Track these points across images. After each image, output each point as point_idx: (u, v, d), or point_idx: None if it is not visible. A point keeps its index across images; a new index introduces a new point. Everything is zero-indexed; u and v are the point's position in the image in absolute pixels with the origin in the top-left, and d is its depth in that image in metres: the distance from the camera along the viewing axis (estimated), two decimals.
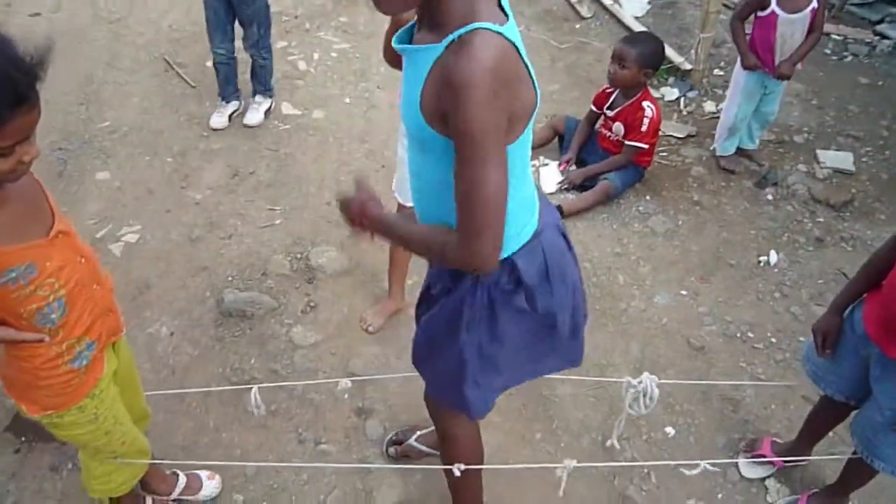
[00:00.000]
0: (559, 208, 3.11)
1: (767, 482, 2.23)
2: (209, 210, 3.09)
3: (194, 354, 2.50)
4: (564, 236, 1.55)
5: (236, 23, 3.36)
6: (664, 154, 3.53)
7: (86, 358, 1.51)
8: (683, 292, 2.83)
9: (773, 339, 2.65)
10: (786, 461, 2.20)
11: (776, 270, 2.92)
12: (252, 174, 3.29)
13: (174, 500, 2.07)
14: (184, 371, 2.45)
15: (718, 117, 3.73)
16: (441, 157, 1.21)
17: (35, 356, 1.44)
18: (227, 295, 2.63)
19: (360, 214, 1.40)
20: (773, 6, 3.00)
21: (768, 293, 2.83)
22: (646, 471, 2.26)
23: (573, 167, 3.41)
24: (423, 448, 2.19)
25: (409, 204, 2.39)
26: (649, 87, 3.24)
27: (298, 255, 2.87)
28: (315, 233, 2.99)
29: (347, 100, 3.85)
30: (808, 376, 2.00)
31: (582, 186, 3.29)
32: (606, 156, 3.31)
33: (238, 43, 3.46)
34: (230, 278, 2.75)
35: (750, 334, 2.66)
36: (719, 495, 2.21)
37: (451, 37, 1.10)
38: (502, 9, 1.20)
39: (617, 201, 3.25)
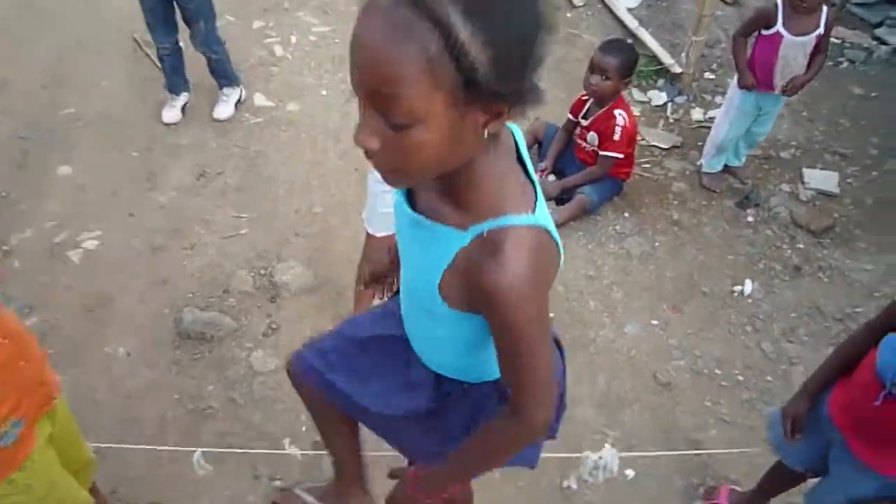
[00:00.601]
0: None
1: None
2: (173, 215, 2.99)
3: (150, 378, 2.44)
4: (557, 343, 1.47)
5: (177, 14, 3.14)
6: (646, 166, 3.44)
7: (13, 436, 1.45)
8: (654, 322, 2.79)
9: (741, 377, 2.62)
10: None
11: (750, 301, 2.88)
12: (220, 174, 3.18)
13: None
14: (139, 396, 2.40)
15: (706, 126, 3.64)
16: (453, 323, 1.11)
17: None
18: (187, 315, 2.56)
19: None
20: (779, 26, 2.88)
21: (740, 326, 2.79)
22: None
23: (551, 177, 3.33)
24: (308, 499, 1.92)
25: (381, 234, 2.31)
26: (623, 95, 3.12)
27: (262, 271, 2.79)
28: (281, 244, 2.91)
29: (324, 91, 3.70)
30: (771, 443, 1.98)
31: (559, 199, 3.21)
32: (584, 167, 3.21)
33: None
34: (191, 294, 2.68)
35: (717, 371, 2.64)
36: None
37: (477, 228, 0.96)
38: (526, 172, 1.05)
39: (594, 217, 3.18)
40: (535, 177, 1.06)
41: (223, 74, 3.40)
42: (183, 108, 3.42)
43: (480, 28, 0.78)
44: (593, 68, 3.00)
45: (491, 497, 2.24)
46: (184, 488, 2.20)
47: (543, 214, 1.00)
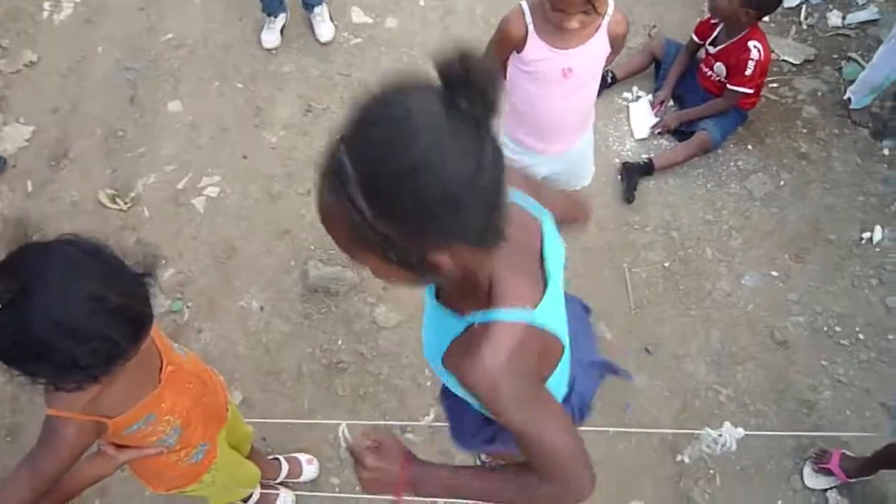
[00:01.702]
0: (650, 164, 2.92)
1: (829, 493, 2.33)
2: (285, 155, 3.01)
3: (285, 331, 2.62)
4: (604, 365, 1.48)
5: None
6: (774, 86, 3.17)
7: (201, 454, 1.64)
8: (774, 273, 2.73)
9: (861, 336, 2.59)
10: (851, 478, 2.29)
11: (878, 250, 2.75)
12: (325, 110, 3.14)
13: (279, 484, 2.33)
14: (277, 349, 2.59)
15: (844, 34, 3.28)
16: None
17: (156, 460, 1.57)
18: (312, 270, 2.68)
19: (393, 485, 1.14)
20: None
21: (865, 278, 2.70)
22: (711, 472, 2.39)
23: (671, 104, 3.12)
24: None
25: None
26: (758, 24, 2.79)
27: None
28: None
29: (422, 2, 3.48)
30: (890, 435, 2.01)
31: (678, 132, 3.04)
32: (706, 96, 2.99)
33: None
34: (313, 247, 2.77)
35: (837, 328, 2.60)
36: (779, 501, 2.35)
37: (470, 319, 0.99)
38: (543, 269, 1.06)
39: (714, 151, 3.01)
40: (554, 267, 1.07)
41: None
42: (282, 30, 3.31)
43: (378, 204, 0.81)
44: None
45: (608, 453, 2.39)
46: (324, 437, 2.44)
47: (546, 310, 1.02)
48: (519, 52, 1.90)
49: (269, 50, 3.29)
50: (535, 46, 1.86)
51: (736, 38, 2.78)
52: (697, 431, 2.20)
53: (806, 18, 3.38)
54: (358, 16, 3.42)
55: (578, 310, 1.51)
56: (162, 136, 3.09)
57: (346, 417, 2.46)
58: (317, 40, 3.30)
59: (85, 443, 1.32)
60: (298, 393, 2.51)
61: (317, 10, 3.27)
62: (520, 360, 0.97)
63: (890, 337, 2.58)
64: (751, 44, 2.74)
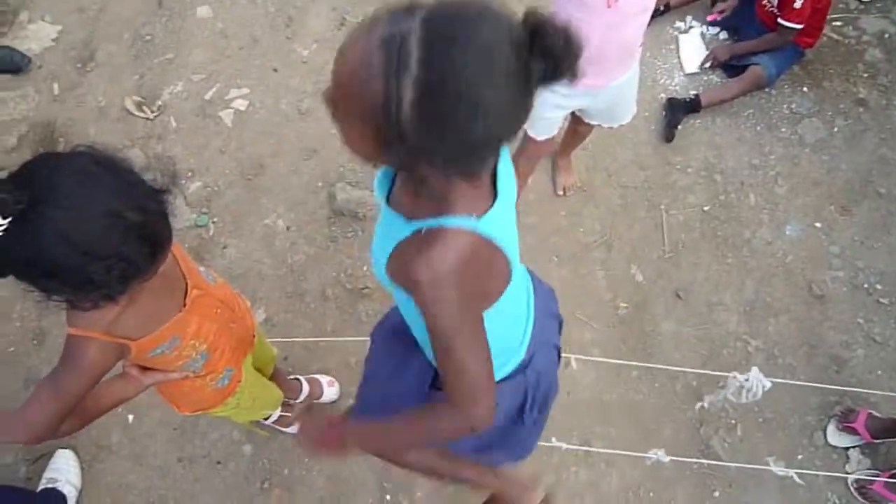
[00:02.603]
0: (696, 100, 2.77)
1: (851, 452, 2.31)
2: (316, 71, 2.89)
3: (310, 253, 2.58)
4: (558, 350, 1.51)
5: None
6: (837, 24, 2.96)
7: (227, 378, 1.63)
8: (818, 224, 2.62)
9: None
10: (876, 438, 2.25)
11: None
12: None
13: (299, 404, 2.35)
14: (301, 270, 2.56)
15: None
16: (404, 302, 1.15)
17: (182, 383, 1.56)
18: (339, 192, 2.61)
19: (328, 440, 1.31)
20: None
21: None
22: (733, 421, 2.37)
23: (723, 35, 2.94)
24: None
25: (541, 137, 2.19)
26: None
27: None
28: None
29: None
30: None
31: (730, 66, 2.86)
32: (762, 30, 2.80)
33: None
34: (341, 168, 2.70)
35: (878, 286, 2.52)
36: (799, 456, 2.32)
37: (417, 224, 1.01)
38: (494, 185, 1.06)
39: (768, 91, 2.85)
40: (505, 187, 1.07)
41: None
42: None
43: (420, 108, 0.80)
44: None
45: (626, 393, 2.37)
46: (345, 360, 2.44)
47: (492, 221, 1.03)
48: None
49: None
50: None
51: None
52: (725, 374, 2.18)
53: None
54: None
55: (546, 291, 1.56)
56: (190, 43, 2.98)
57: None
58: None
59: (107, 364, 1.29)
60: (321, 315, 2.49)
61: None
62: (467, 267, 0.99)
63: None
64: None
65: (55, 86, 2.88)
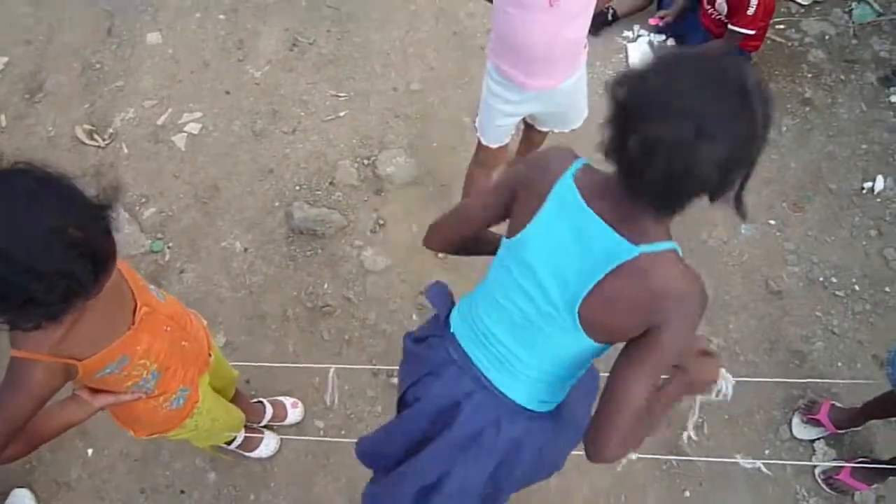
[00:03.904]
0: None
1: (816, 444, 2.32)
2: (269, 91, 2.89)
3: (269, 273, 2.55)
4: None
5: None
6: (780, 27, 3.05)
7: (182, 399, 1.59)
8: (772, 221, 2.66)
9: (857, 287, 2.54)
10: (840, 429, 2.28)
11: (878, 201, 2.68)
12: (312, 45, 3.00)
13: (263, 427, 2.30)
14: (260, 291, 2.52)
15: None
16: (569, 332, 1.19)
17: (135, 406, 1.52)
18: (297, 211, 2.59)
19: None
20: None
21: (864, 229, 2.64)
22: (701, 420, 2.37)
23: (670, 42, 3.00)
24: None
25: (494, 145, 2.21)
26: None
27: (365, 161, 2.74)
28: (382, 129, 2.81)
29: None
30: (889, 379, 1.97)
31: None
32: (708, 36, 2.87)
33: None
34: (297, 187, 2.68)
35: (833, 279, 2.56)
36: (766, 451, 2.33)
37: (649, 248, 1.08)
38: None
39: None
40: None
41: None
42: None
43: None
44: None
45: None
46: (309, 381, 2.40)
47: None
48: None
49: None
50: None
51: None
52: None
53: None
54: None
55: None
56: (141, 70, 2.95)
57: (331, 362, 2.41)
58: None
59: (53, 385, 1.25)
60: (283, 336, 2.46)
61: None
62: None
63: (886, 289, 2.54)
64: None
65: (2, 117, 2.84)
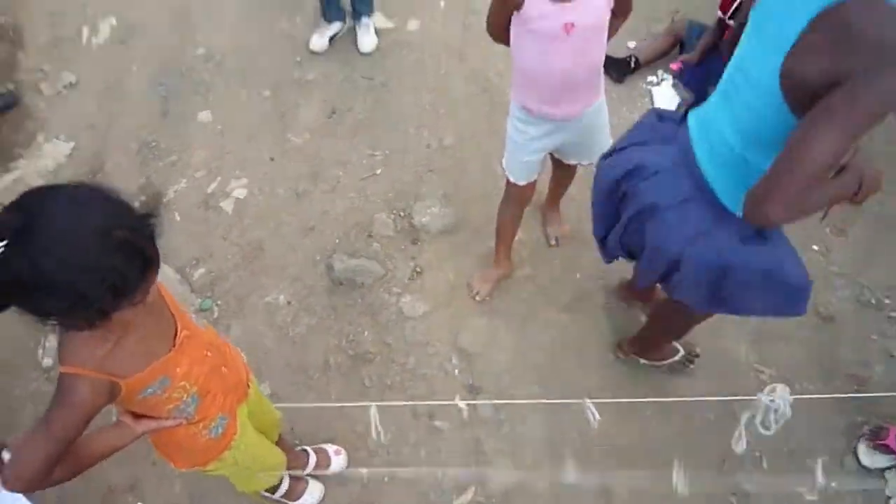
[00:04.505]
0: None
1: (887, 473, 2.18)
2: (311, 156, 3.05)
3: (311, 324, 2.61)
4: None
5: None
6: None
7: (221, 427, 1.62)
8: (815, 247, 2.61)
9: None
10: None
11: None
12: (350, 111, 3.18)
13: (307, 476, 2.30)
14: (303, 342, 2.58)
15: None
16: (770, 94, 1.21)
17: (176, 432, 1.56)
18: (337, 262, 2.68)
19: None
20: None
21: None
22: (757, 454, 2.26)
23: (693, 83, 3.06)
24: None
25: (522, 182, 2.27)
26: None
27: (402, 213, 2.83)
28: (416, 182, 2.92)
29: (443, 3, 3.53)
30: None
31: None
32: None
33: None
34: (337, 240, 2.78)
35: (887, 300, 2.46)
36: (833, 483, 2.20)
37: None
38: None
39: None
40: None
41: (367, 1, 3.30)
42: (331, 38, 3.40)
43: None
44: None
45: (643, 430, 2.29)
46: (352, 428, 2.41)
47: None
48: (519, 10, 1.87)
49: (314, 52, 3.37)
50: (534, 3, 1.84)
51: None
52: (748, 397, 2.10)
53: None
54: (380, 21, 3.48)
55: None
56: (192, 145, 3.17)
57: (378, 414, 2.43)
58: (358, 49, 3.36)
59: (98, 402, 1.30)
60: (326, 384, 2.49)
61: (364, 20, 3.34)
62: None
63: None
64: None
65: None
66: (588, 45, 1.92)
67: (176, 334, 1.43)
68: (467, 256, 2.72)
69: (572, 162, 2.38)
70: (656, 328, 2.24)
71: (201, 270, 2.78)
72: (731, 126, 1.44)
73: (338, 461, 2.33)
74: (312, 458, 2.28)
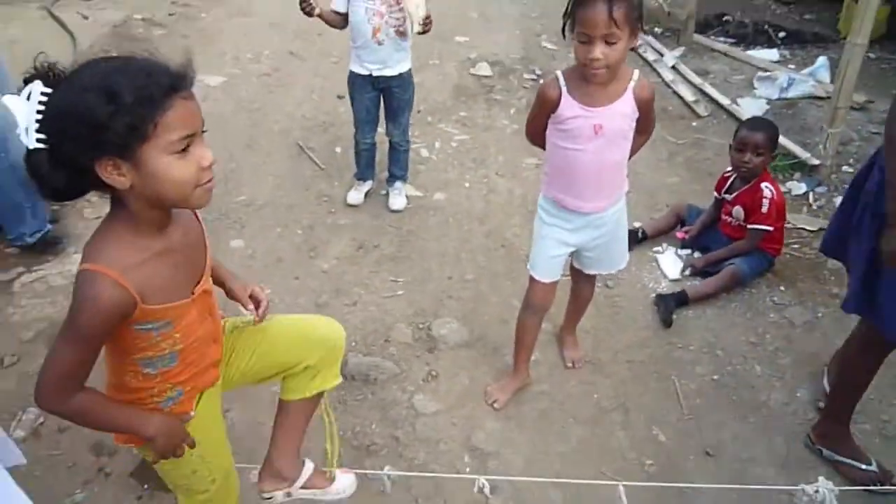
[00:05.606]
0: (683, 293, 3.01)
1: None
2: (335, 279, 3.17)
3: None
4: None
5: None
6: (795, 247, 3.39)
7: (172, 401, 1.50)
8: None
9: None
10: None
11: None
12: (376, 247, 3.38)
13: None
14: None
15: None
16: None
17: (128, 388, 1.44)
18: (351, 358, 2.64)
19: None
20: None
21: None
22: None
23: (696, 255, 3.33)
24: None
25: (546, 280, 2.37)
26: (768, 169, 3.18)
27: (420, 325, 2.87)
28: (437, 305, 3.00)
29: (467, 184, 3.95)
30: None
31: (706, 273, 3.18)
32: (730, 242, 3.20)
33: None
34: (353, 342, 2.77)
35: None
36: None
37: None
38: None
39: (749, 290, 3.11)
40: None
41: (404, 166, 3.69)
42: (366, 193, 3.74)
43: None
44: (743, 147, 3.06)
45: None
46: None
47: None
48: (554, 112, 2.18)
49: (350, 205, 3.68)
50: (569, 105, 2.14)
51: (751, 183, 3.10)
52: (792, 488, 1.97)
53: (815, 201, 3.74)
54: (410, 190, 3.85)
55: None
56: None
57: (376, 500, 2.21)
58: (388, 207, 3.68)
59: (115, 310, 1.23)
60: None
61: (398, 184, 3.72)
62: None
63: None
64: (763, 185, 3.07)
65: None
66: (614, 144, 2.19)
67: (198, 283, 1.41)
68: (484, 368, 2.69)
69: (592, 272, 2.51)
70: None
71: None
72: None
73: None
74: None
